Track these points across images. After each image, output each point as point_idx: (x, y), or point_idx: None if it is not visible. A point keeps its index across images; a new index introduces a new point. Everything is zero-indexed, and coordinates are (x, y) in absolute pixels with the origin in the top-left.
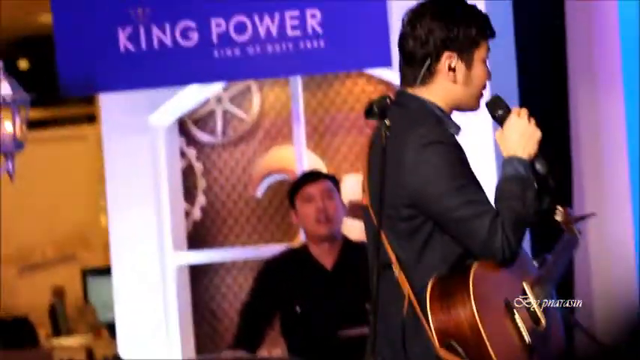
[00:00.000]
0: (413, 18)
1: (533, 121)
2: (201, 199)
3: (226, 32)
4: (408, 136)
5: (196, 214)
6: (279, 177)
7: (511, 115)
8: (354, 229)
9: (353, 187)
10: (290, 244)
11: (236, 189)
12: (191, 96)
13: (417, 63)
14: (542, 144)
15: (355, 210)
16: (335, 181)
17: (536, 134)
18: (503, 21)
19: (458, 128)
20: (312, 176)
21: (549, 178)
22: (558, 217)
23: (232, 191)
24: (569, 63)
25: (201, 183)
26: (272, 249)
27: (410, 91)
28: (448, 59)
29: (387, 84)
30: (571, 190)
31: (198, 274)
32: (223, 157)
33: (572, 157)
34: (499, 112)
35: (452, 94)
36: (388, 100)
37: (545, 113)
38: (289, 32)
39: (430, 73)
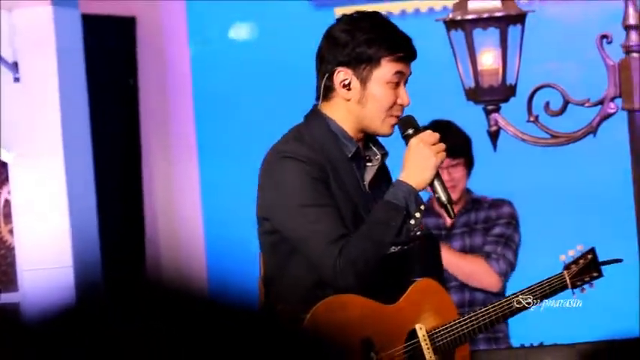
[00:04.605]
0: (324, 34)
1: (436, 145)
2: None
3: None
4: (269, 151)
5: None
6: None
7: (411, 139)
8: None
9: None
10: None
11: None
12: None
13: (319, 78)
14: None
15: None
16: None
17: (432, 161)
18: (75, 79)
19: (356, 148)
20: None
21: (448, 207)
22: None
23: None
24: (142, 129)
25: None
26: None
27: (319, 106)
28: (339, 75)
29: None
30: (144, 250)
31: None
32: None
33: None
34: (408, 131)
35: (349, 112)
36: None
37: (119, 172)
38: None
39: (328, 89)
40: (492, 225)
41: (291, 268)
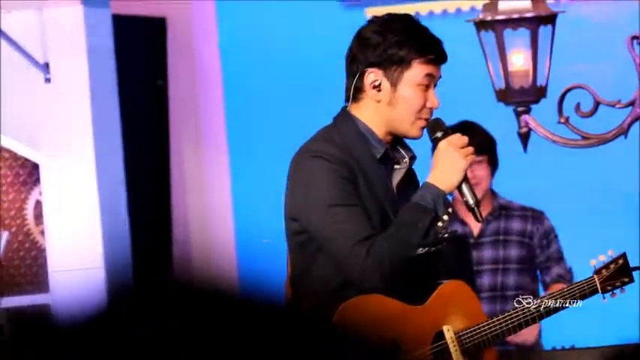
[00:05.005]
0: (355, 34)
1: (465, 149)
2: None
3: None
4: (298, 151)
5: None
6: None
7: (440, 142)
8: None
9: None
10: None
11: None
12: None
13: (348, 79)
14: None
15: None
16: None
17: (460, 164)
18: (105, 80)
19: (385, 150)
20: None
21: (476, 211)
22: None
23: None
24: (171, 120)
25: None
26: None
27: (348, 108)
28: (370, 76)
29: None
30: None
31: None
32: None
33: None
34: (437, 134)
35: (379, 113)
36: None
37: (149, 170)
38: None
39: (358, 91)
40: (545, 243)
41: (318, 269)
